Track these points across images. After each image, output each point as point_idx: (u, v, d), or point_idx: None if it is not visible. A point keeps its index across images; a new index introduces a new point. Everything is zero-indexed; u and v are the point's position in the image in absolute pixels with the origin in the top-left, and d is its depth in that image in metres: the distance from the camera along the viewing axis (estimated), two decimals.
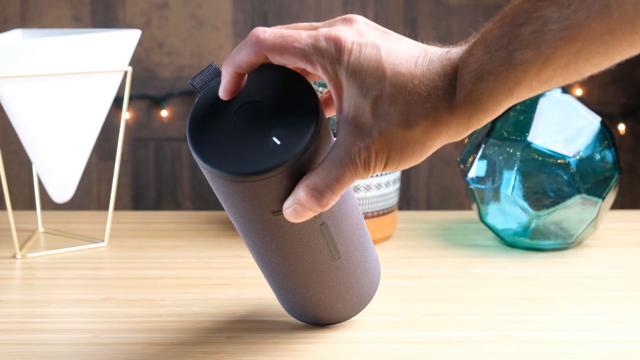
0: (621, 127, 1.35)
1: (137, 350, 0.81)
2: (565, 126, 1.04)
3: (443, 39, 1.34)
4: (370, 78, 0.68)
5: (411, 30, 1.34)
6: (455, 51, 0.69)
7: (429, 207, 1.37)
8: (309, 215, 0.71)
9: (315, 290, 0.79)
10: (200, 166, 0.71)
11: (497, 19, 0.67)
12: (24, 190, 1.33)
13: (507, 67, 0.65)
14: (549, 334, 0.85)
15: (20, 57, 0.98)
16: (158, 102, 1.34)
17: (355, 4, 1.33)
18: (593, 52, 0.64)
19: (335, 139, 0.71)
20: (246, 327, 0.85)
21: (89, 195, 1.34)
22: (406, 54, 0.69)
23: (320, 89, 1.02)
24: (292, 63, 0.70)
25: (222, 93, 0.72)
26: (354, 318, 0.87)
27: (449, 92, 0.68)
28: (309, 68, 0.70)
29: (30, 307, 0.91)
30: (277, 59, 0.71)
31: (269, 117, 0.71)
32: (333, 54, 0.68)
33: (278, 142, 0.69)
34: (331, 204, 0.70)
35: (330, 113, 0.78)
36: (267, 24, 1.33)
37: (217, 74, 0.73)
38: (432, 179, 1.37)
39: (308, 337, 0.84)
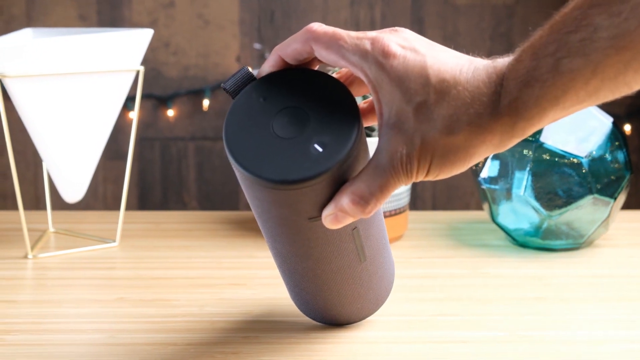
0: (627, 128, 1.35)
1: (153, 351, 0.81)
2: (577, 126, 1.04)
3: (449, 39, 1.35)
4: (414, 84, 0.67)
5: (418, 30, 1.34)
6: (501, 60, 0.68)
7: (435, 206, 1.38)
8: (348, 222, 0.70)
9: (337, 293, 0.79)
10: (237, 171, 0.70)
11: (546, 27, 0.66)
12: (30, 190, 1.33)
13: (554, 74, 0.64)
14: (563, 333, 0.85)
15: (33, 57, 0.98)
16: (164, 101, 1.34)
17: (362, 3, 1.33)
18: None
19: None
20: (262, 327, 0.85)
21: (95, 195, 1.34)
22: (451, 62, 0.68)
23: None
24: (334, 62, 0.70)
25: (261, 69, 0.73)
26: (369, 318, 0.87)
27: (493, 99, 0.67)
28: (350, 68, 0.70)
29: (44, 308, 0.91)
30: (322, 54, 0.71)
31: (309, 124, 0.70)
32: (377, 58, 0.68)
33: (320, 149, 0.68)
34: (374, 211, 0.70)
35: (368, 123, 0.78)
36: (273, 23, 1.33)
37: (250, 78, 0.73)
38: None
39: (324, 337, 0.84)
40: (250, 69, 0.73)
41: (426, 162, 0.68)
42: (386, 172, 0.68)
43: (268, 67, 0.74)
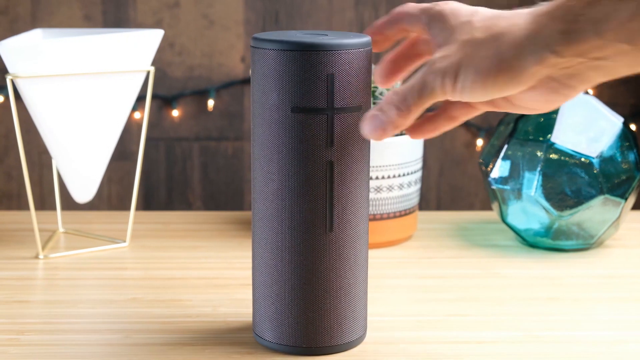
0: (632, 128, 1.36)
1: (169, 351, 0.81)
2: (588, 127, 1.04)
3: None
4: (464, 13, 0.73)
5: None
6: None
7: (439, 207, 1.38)
8: (385, 120, 0.73)
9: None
10: (254, 48, 0.77)
11: None
12: (35, 191, 1.33)
13: None
14: (578, 334, 0.85)
15: (45, 57, 0.98)
16: (169, 102, 1.34)
17: (367, 3, 1.33)
18: None
19: None
20: None
21: (100, 195, 1.34)
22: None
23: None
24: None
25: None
26: (381, 318, 0.87)
27: (531, 11, 0.69)
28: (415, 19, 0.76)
29: (58, 308, 0.90)
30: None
31: (327, 36, 0.78)
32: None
33: (324, 37, 0.77)
34: (412, 108, 0.72)
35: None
36: (278, 23, 1.33)
37: None
38: (442, 179, 1.37)
39: None
40: None
41: (457, 59, 0.70)
42: (422, 73, 0.72)
43: (368, 32, 0.80)
